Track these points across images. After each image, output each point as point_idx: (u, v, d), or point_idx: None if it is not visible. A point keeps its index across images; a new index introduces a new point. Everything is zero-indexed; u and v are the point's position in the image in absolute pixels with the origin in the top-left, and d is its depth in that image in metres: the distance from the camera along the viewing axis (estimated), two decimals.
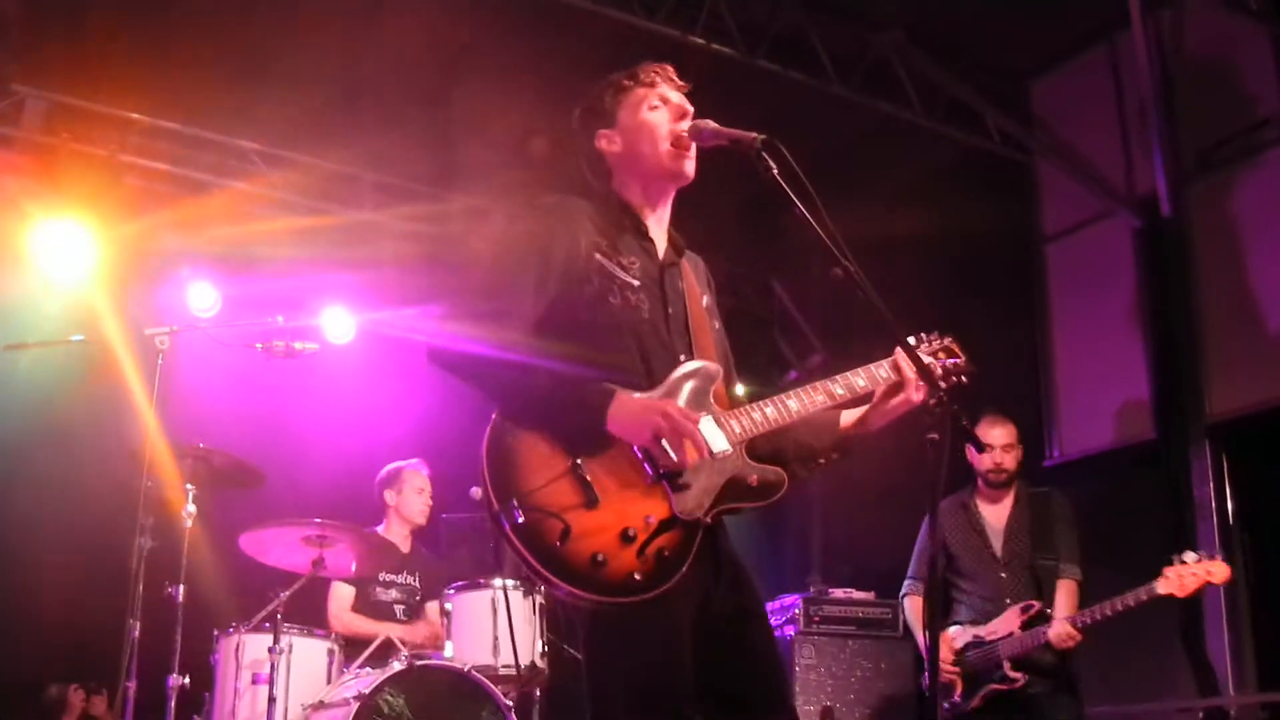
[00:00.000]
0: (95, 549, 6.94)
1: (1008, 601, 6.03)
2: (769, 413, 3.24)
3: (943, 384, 3.42)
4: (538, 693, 6.41)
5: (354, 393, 8.88)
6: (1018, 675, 5.83)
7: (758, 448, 3.25)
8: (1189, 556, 5.63)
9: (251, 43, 8.37)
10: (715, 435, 3.16)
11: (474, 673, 5.79)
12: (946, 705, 5.78)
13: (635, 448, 3.05)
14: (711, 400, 3.22)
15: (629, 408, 3.02)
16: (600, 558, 2.92)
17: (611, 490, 3.01)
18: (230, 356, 6.53)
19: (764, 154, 3.13)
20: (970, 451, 6.04)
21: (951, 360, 3.58)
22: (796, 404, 3.28)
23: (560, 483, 2.98)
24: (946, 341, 3.62)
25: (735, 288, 11.32)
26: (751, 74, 8.25)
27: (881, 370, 3.40)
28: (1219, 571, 5.59)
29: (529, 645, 6.11)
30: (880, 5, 8.36)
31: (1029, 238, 9.17)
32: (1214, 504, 7.66)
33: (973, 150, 9.13)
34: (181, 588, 5.86)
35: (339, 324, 8.67)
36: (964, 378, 3.57)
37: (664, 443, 3.01)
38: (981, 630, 5.99)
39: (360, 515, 6.98)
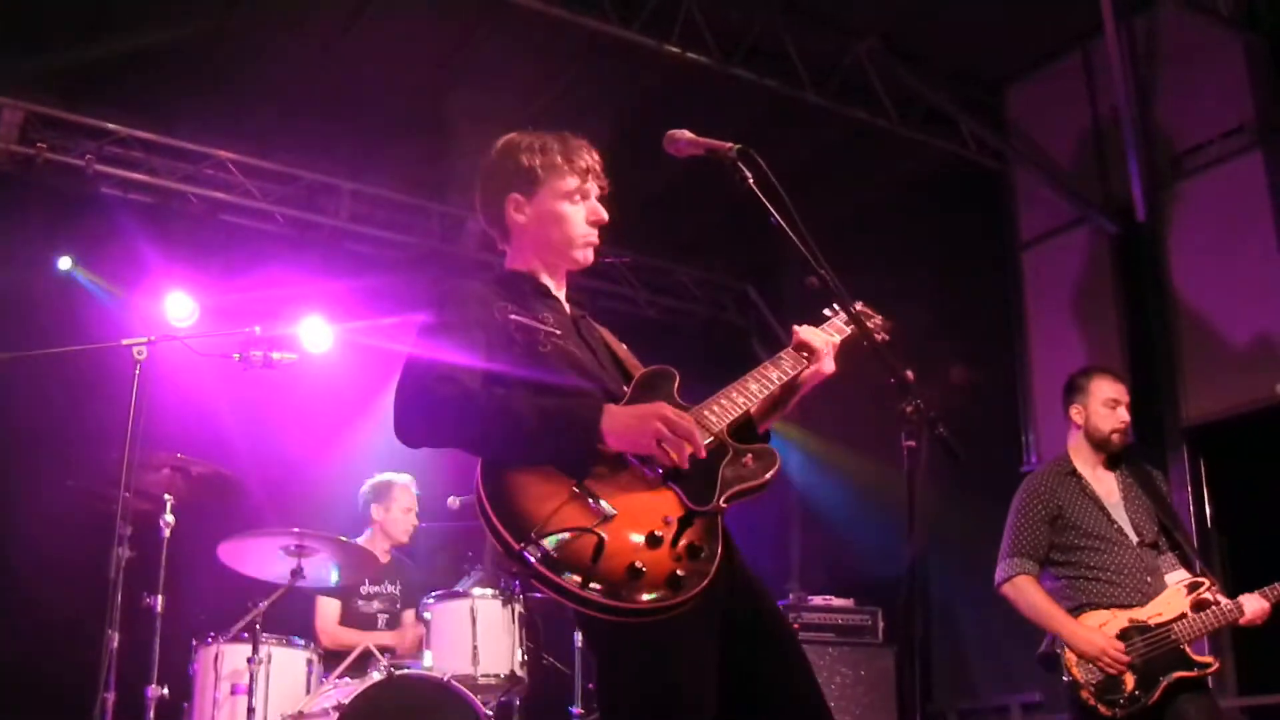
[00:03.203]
0: (73, 559, 6.90)
1: (1149, 580, 5.23)
2: (736, 398, 3.22)
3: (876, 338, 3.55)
4: (517, 702, 6.40)
5: (332, 402, 8.85)
6: (1210, 659, 5.13)
7: None
8: None
9: (228, 52, 8.36)
10: None
11: (453, 682, 5.76)
12: (1123, 701, 4.98)
13: (630, 454, 2.98)
14: (676, 399, 3.20)
15: (623, 418, 2.95)
16: (638, 565, 2.79)
17: (621, 500, 2.91)
18: (208, 367, 6.50)
19: (740, 163, 3.14)
20: (1086, 411, 5.44)
21: (872, 322, 3.66)
22: (756, 385, 3.29)
23: (570, 506, 2.86)
24: (859, 306, 3.58)
25: (712, 296, 11.35)
26: (727, 82, 8.27)
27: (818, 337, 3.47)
28: None
29: (508, 654, 6.09)
30: (855, 14, 8.38)
31: (1005, 244, 9.20)
32: (1192, 508, 7.69)
33: (948, 158, 9.15)
34: (160, 598, 5.83)
35: (317, 334, 8.63)
36: (885, 334, 3.65)
37: (664, 445, 2.94)
38: (1141, 613, 5.15)
39: (339, 525, 6.96)
